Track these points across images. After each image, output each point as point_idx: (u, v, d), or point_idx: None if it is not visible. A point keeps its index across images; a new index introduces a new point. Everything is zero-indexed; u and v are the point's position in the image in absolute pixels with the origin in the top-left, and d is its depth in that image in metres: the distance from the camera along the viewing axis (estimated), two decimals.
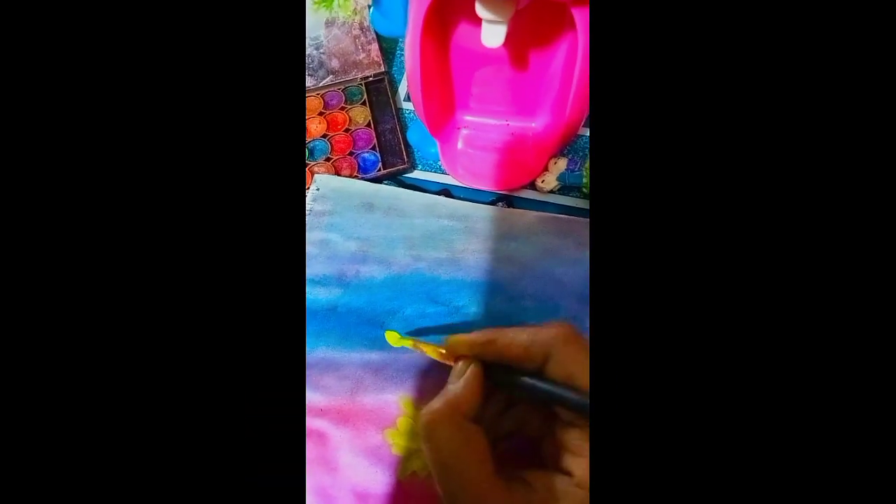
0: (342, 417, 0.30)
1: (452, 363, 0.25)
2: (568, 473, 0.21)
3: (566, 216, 0.34)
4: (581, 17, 0.26)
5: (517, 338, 0.23)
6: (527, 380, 0.22)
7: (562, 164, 0.36)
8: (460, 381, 0.23)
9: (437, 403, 0.22)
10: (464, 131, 0.38)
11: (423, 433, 0.21)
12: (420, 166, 0.39)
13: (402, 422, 0.30)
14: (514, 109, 0.37)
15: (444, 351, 0.26)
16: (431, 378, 0.30)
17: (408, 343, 0.29)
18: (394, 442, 0.29)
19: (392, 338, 0.31)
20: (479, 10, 0.25)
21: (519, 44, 0.33)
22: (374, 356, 0.31)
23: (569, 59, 0.32)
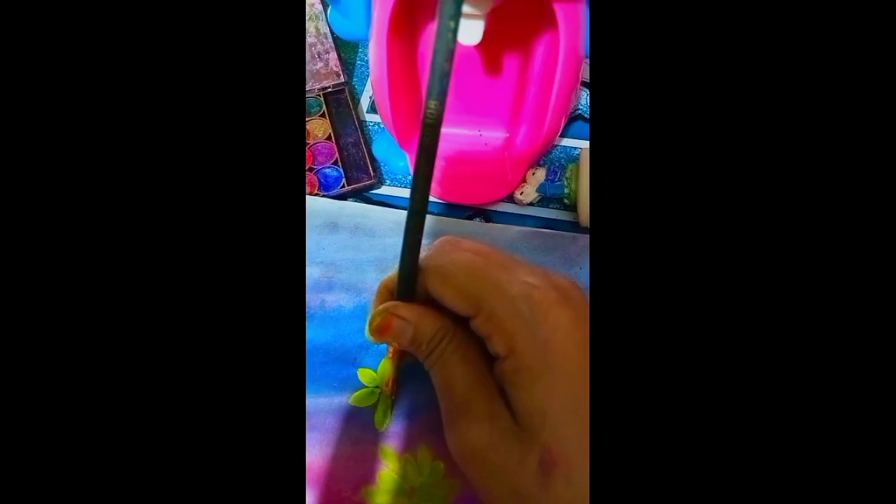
0: (310, 477, 0.25)
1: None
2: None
3: (550, 231, 0.32)
4: (563, 14, 0.24)
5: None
6: None
7: (540, 174, 0.34)
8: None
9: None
10: None
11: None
12: (388, 181, 0.35)
13: (384, 476, 0.26)
14: (488, 118, 0.35)
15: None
16: (416, 422, 0.27)
17: (384, 375, 0.25)
18: (374, 502, 0.25)
19: (366, 377, 0.28)
20: None
21: (494, 46, 0.31)
22: (346, 400, 0.27)
23: (547, 61, 0.30)
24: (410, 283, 0.20)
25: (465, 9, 0.22)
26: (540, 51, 0.30)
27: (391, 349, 0.25)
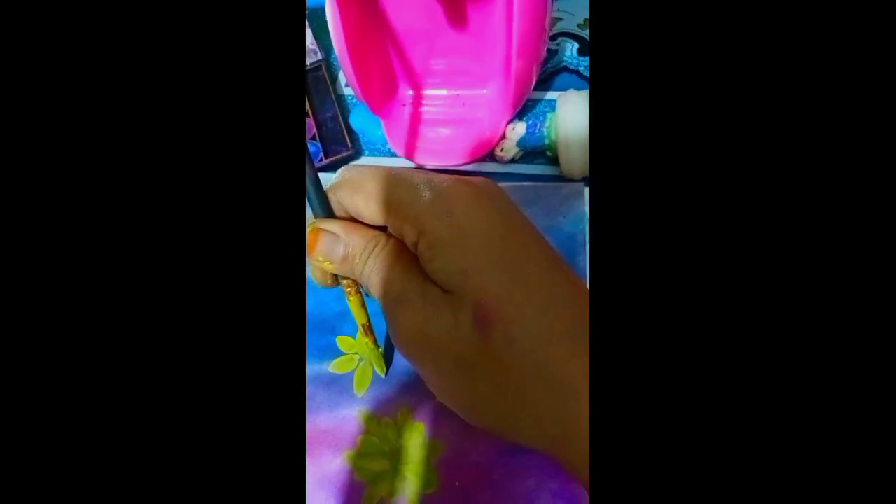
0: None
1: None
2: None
3: (530, 183, 0.30)
4: None
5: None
6: None
7: (521, 128, 0.32)
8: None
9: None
10: (409, 108, 0.34)
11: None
12: (367, 152, 0.35)
13: (364, 441, 0.25)
14: (461, 77, 0.34)
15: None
16: (393, 387, 0.26)
17: (364, 344, 0.24)
18: (355, 465, 0.25)
19: (345, 344, 0.27)
20: None
21: (456, 4, 0.30)
22: (325, 368, 0.27)
23: (508, 7, 0.28)
24: (322, 198, 0.20)
25: None
26: (499, 3, 0.29)
27: (347, 288, 0.24)
